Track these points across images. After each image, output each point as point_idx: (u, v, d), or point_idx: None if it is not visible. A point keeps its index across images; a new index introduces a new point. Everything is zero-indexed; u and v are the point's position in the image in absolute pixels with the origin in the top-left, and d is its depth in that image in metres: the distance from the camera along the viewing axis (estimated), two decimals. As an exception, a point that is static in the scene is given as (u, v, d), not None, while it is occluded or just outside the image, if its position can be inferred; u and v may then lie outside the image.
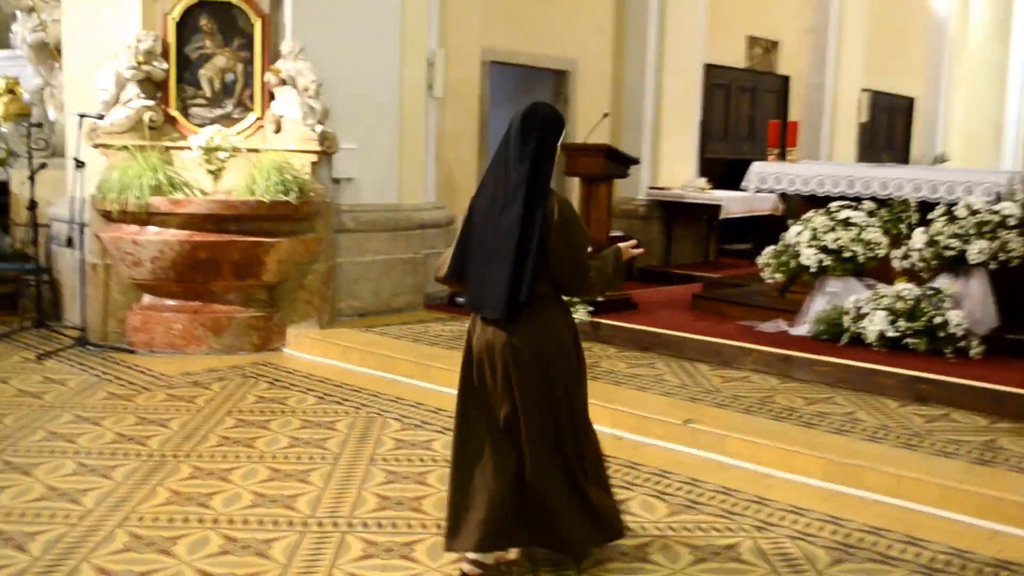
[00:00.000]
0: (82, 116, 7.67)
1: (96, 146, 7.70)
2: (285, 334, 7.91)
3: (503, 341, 3.80)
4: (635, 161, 8.91)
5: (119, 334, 7.83)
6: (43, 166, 8.39)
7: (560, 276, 3.88)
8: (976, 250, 6.83)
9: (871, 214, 7.45)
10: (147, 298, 7.80)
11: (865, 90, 16.28)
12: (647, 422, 5.73)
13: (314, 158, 7.82)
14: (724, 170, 13.37)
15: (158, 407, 6.22)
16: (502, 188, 3.79)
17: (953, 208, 7.07)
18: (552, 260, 3.79)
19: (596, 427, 4.98)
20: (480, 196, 3.91)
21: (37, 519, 4.36)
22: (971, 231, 6.90)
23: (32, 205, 8.14)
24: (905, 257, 7.22)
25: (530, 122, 3.84)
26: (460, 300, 9.24)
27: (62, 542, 4.12)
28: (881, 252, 7.32)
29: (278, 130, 7.85)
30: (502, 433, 3.87)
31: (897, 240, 7.38)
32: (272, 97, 7.91)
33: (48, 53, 9.62)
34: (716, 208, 11.56)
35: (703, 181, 12.13)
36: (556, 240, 3.77)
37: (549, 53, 11.19)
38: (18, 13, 10.08)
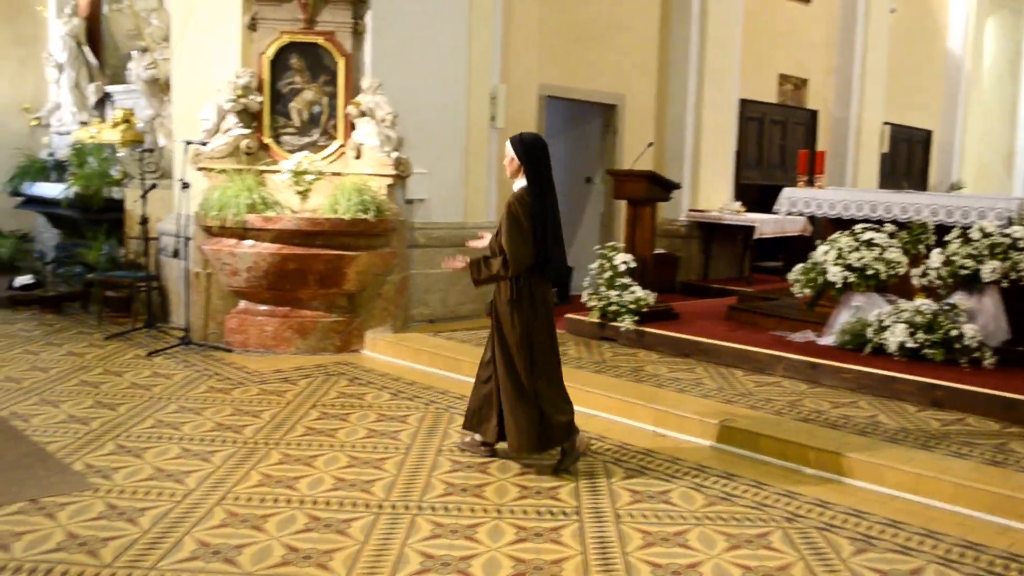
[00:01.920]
0: (188, 143, 7.80)
1: (199, 169, 7.82)
2: (363, 337, 7.97)
3: (553, 296, 5.09)
4: (676, 186, 8.87)
5: (218, 335, 7.95)
6: (153, 187, 8.56)
7: None
8: (989, 269, 6.70)
9: (892, 236, 7.34)
10: (242, 303, 7.91)
11: (886, 123, 16.03)
12: (687, 422, 5.69)
13: (390, 181, 7.88)
14: (757, 195, 13.24)
15: (252, 400, 6.30)
16: (552, 193, 4.96)
17: (967, 231, 6.94)
18: None
19: (640, 425, 5.11)
20: (548, 201, 4.89)
21: (146, 496, 4.45)
22: (984, 252, 6.77)
23: (144, 221, 8.30)
24: (924, 275, 7.10)
25: None
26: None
27: (168, 517, 4.19)
28: (901, 270, 7.20)
29: (358, 156, 7.93)
30: None
31: (916, 259, 7.26)
32: (353, 127, 7.98)
33: (159, 87, 9.81)
34: (750, 229, 11.45)
35: (738, 204, 12.02)
36: None
37: (599, 89, 11.17)
38: (133, 53, 10.31)
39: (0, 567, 3.62)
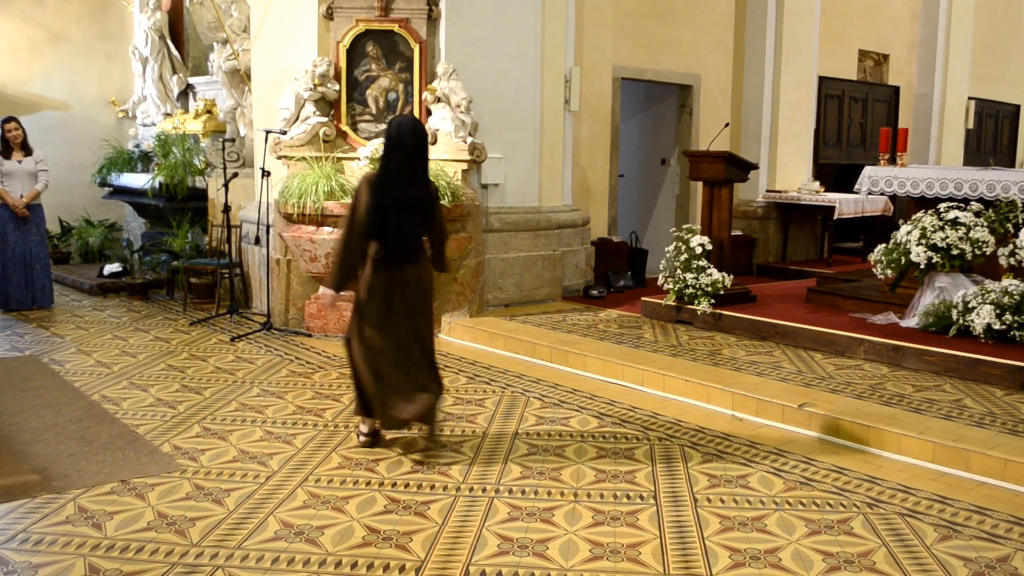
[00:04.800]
0: (268, 132, 7.93)
1: (279, 157, 7.95)
2: (440, 321, 8.03)
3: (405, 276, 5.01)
4: (754, 167, 8.73)
5: (298, 320, 8.08)
6: (235, 175, 8.72)
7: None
8: (1082, 248, 6.47)
9: (978, 214, 7.13)
10: (322, 289, 8.00)
11: (972, 98, 15.55)
12: (765, 405, 5.62)
13: (465, 166, 7.91)
14: (837, 174, 13.00)
15: (332, 384, 6.40)
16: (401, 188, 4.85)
17: (1059, 208, 6.71)
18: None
19: (718, 409, 5.00)
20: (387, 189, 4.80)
21: (231, 478, 4.55)
22: (1077, 230, 6.54)
23: (226, 209, 8.46)
24: (1012, 254, 6.88)
25: (422, 135, 4.95)
26: (594, 292, 9.24)
27: (252, 498, 4.28)
28: (988, 250, 6.99)
29: (434, 142, 7.95)
30: None
31: (1004, 238, 7.04)
32: (429, 113, 8.03)
33: (239, 78, 9.98)
34: (830, 209, 11.23)
35: (817, 184, 11.78)
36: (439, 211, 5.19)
37: (674, 69, 11.04)
38: (215, 44, 10.50)
39: (94, 545, 3.75)
